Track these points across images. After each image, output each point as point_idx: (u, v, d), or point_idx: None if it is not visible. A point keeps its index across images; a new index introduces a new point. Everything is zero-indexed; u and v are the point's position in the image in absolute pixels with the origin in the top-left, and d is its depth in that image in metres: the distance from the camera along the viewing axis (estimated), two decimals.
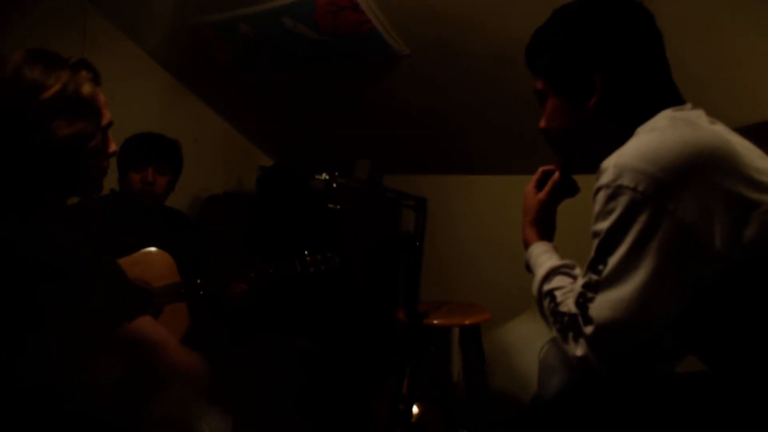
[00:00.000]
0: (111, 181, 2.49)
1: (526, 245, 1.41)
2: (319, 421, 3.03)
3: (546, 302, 1.22)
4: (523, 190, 1.51)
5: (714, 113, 1.21)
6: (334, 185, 2.22)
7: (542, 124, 1.36)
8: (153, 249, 2.25)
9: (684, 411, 1.14)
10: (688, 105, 1.22)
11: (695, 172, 1.04)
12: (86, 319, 1.18)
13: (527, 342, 2.85)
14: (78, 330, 1.18)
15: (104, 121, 1.35)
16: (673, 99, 1.23)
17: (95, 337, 1.21)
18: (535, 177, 1.48)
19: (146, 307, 1.32)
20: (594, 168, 1.15)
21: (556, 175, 1.45)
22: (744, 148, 1.11)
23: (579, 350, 1.08)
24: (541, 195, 1.44)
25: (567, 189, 1.46)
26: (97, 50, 2.97)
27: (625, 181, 1.04)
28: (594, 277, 1.08)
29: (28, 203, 1.24)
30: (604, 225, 1.07)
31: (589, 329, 1.06)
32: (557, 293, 1.20)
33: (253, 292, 2.42)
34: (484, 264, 3.38)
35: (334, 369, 3.12)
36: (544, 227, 1.44)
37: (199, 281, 2.28)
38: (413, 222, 2.29)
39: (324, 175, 2.20)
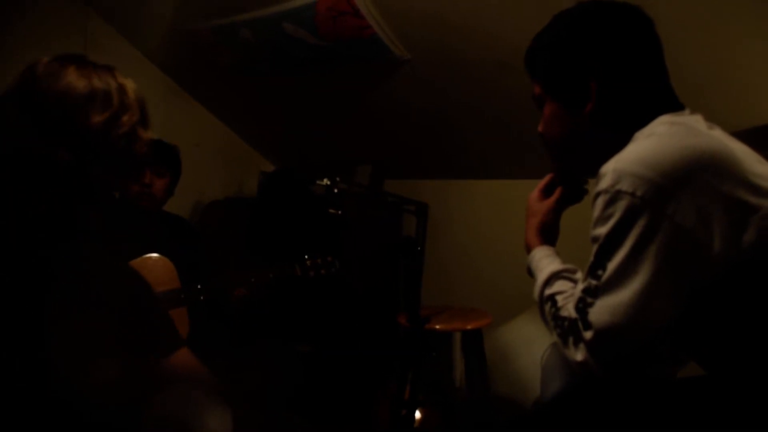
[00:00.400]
0: None
1: (528, 249, 1.42)
2: (321, 425, 3.03)
3: (547, 307, 1.22)
4: (524, 194, 1.51)
5: (712, 118, 1.21)
6: (336, 190, 2.22)
7: (540, 128, 1.36)
8: (153, 255, 2.25)
9: (683, 415, 1.14)
10: (687, 110, 1.22)
11: (694, 177, 1.04)
12: (130, 351, 1.16)
13: (529, 346, 2.84)
14: (121, 361, 1.16)
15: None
16: (671, 104, 1.23)
17: (137, 369, 1.19)
18: (542, 182, 1.48)
19: (183, 340, 1.26)
20: (590, 174, 1.15)
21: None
22: (742, 152, 1.11)
23: (579, 355, 1.08)
24: (549, 201, 1.44)
25: (574, 195, 1.46)
26: (98, 53, 2.95)
27: (624, 186, 1.04)
28: (593, 282, 1.08)
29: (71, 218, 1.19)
30: (603, 230, 1.07)
31: (588, 334, 1.06)
32: (558, 298, 1.20)
33: (254, 297, 2.42)
34: (485, 269, 3.38)
35: (335, 374, 3.12)
36: (548, 232, 1.44)
37: (199, 286, 2.28)
38: (414, 227, 2.29)
39: (325, 181, 2.20)
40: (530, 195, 1.48)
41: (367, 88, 3.06)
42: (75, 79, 1.17)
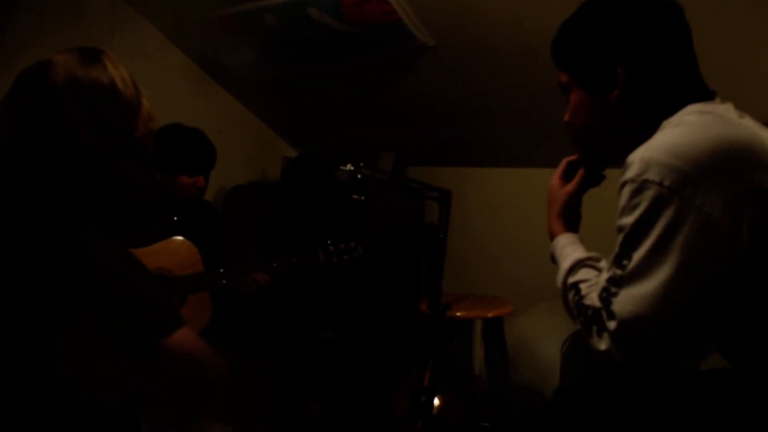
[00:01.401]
0: None
1: (552, 236, 1.41)
2: (341, 411, 3.05)
3: (570, 295, 1.21)
4: (547, 183, 1.49)
5: (743, 106, 1.19)
6: (359, 176, 2.22)
7: (566, 117, 1.35)
8: (177, 238, 2.27)
9: (706, 407, 1.13)
10: (717, 99, 1.21)
11: (723, 167, 1.03)
12: (123, 335, 1.16)
13: (549, 335, 2.83)
14: (114, 346, 1.15)
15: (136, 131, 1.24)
16: (701, 93, 1.21)
17: (134, 352, 1.18)
18: (560, 168, 1.47)
19: (183, 320, 1.26)
20: (617, 163, 1.14)
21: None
22: None
23: (602, 344, 1.07)
24: (569, 187, 1.43)
25: (593, 179, 1.44)
26: (124, 38, 3.00)
27: (651, 175, 1.03)
28: (618, 271, 1.07)
29: (65, 207, 1.18)
30: (629, 220, 1.06)
31: (612, 324, 1.05)
32: (582, 286, 1.19)
33: (275, 283, 2.43)
34: (507, 257, 3.37)
35: (355, 360, 3.13)
36: (570, 218, 1.42)
37: (222, 270, 2.30)
38: (436, 214, 2.28)
39: (349, 166, 2.20)
40: (550, 181, 1.47)
41: (390, 75, 3.05)
42: (121, 80, 1.19)
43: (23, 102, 1.16)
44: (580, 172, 1.43)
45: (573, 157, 1.46)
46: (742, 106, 1.19)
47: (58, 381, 1.13)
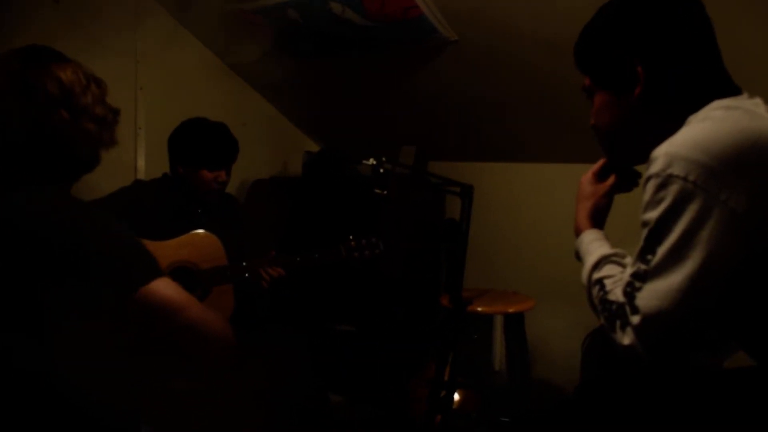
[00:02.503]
0: (157, 167, 2.54)
1: (578, 232, 1.40)
2: (361, 404, 3.06)
3: (595, 290, 1.21)
4: (569, 178, 1.50)
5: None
6: (381, 170, 2.22)
7: (592, 121, 1.35)
8: (201, 231, 2.29)
9: (728, 405, 1.13)
10: (745, 94, 1.20)
11: (749, 162, 1.02)
12: (99, 289, 1.19)
13: (570, 331, 2.83)
14: (92, 302, 1.19)
15: (74, 94, 1.33)
16: (726, 88, 1.20)
17: (112, 305, 1.21)
18: (596, 166, 1.47)
19: (161, 270, 1.29)
20: (643, 161, 1.14)
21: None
22: None
23: (626, 339, 1.07)
24: (603, 187, 1.43)
25: (627, 184, 1.44)
26: (147, 32, 3.03)
27: (676, 170, 1.02)
28: (642, 266, 1.07)
29: (31, 180, 1.28)
30: (653, 214, 1.06)
31: (636, 319, 1.05)
32: (607, 282, 1.19)
33: (289, 277, 2.44)
34: (528, 252, 3.36)
35: (376, 354, 3.14)
36: (598, 217, 1.42)
37: (244, 264, 2.32)
38: (458, 209, 2.28)
39: (371, 160, 2.20)
40: (582, 178, 1.47)
41: (412, 69, 3.05)
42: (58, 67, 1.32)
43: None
44: (614, 175, 1.43)
45: None
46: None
47: (58, 380, 1.16)
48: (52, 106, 1.27)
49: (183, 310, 1.26)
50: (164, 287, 1.25)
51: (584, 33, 1.33)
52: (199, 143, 2.40)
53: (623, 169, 1.43)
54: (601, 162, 1.47)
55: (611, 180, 1.43)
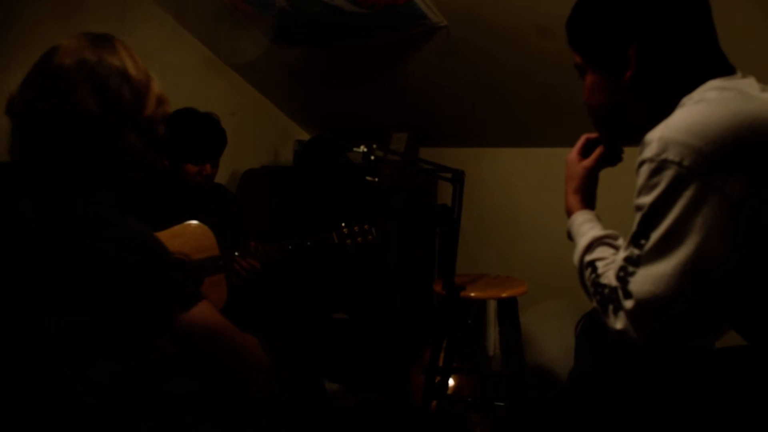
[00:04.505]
0: None
1: (569, 213, 1.40)
2: (356, 391, 3.07)
3: (587, 273, 1.21)
4: (561, 162, 1.49)
5: (765, 81, 1.18)
6: (372, 158, 2.22)
7: (584, 97, 1.34)
8: (193, 222, 2.28)
9: (723, 385, 1.13)
10: (739, 73, 1.19)
11: (744, 145, 1.02)
12: (142, 310, 1.15)
13: (564, 315, 2.84)
14: (133, 323, 1.15)
15: (145, 111, 1.25)
16: (721, 67, 1.19)
17: (154, 328, 1.18)
18: (578, 144, 1.47)
19: (202, 294, 1.26)
20: (635, 142, 1.13)
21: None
22: None
23: (618, 323, 1.07)
24: (587, 162, 1.42)
25: (611, 157, 1.44)
26: (135, 23, 3.00)
27: (670, 155, 1.02)
28: (636, 251, 1.07)
29: (70, 187, 1.20)
30: (647, 199, 1.06)
31: (629, 303, 1.05)
32: (599, 264, 1.19)
33: (281, 266, 2.41)
34: (521, 237, 3.37)
35: (370, 341, 3.15)
36: (587, 195, 1.42)
37: (237, 254, 2.31)
38: (450, 195, 2.28)
39: (362, 147, 2.20)
40: (567, 157, 1.47)
41: (402, 56, 3.04)
42: (131, 62, 1.23)
43: (34, 85, 1.18)
44: (598, 149, 1.43)
45: (592, 135, 1.45)
46: (765, 80, 1.18)
47: (60, 382, 1.13)
48: (118, 116, 1.19)
49: (223, 336, 1.26)
50: (205, 312, 1.23)
51: (576, 10, 1.31)
52: (182, 137, 2.36)
53: (609, 143, 1.43)
54: (583, 139, 1.46)
55: (596, 155, 1.42)
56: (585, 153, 1.45)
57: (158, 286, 1.19)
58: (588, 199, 1.41)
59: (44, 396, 1.13)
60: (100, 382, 1.15)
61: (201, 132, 2.38)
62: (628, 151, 1.42)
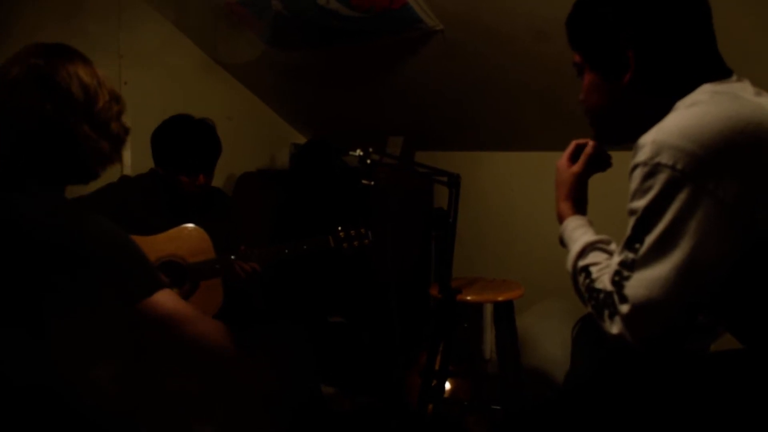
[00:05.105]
0: (144, 162, 2.52)
1: (561, 219, 1.40)
2: (352, 395, 3.07)
3: (581, 278, 1.21)
4: (555, 165, 1.49)
5: (761, 83, 1.18)
6: (368, 161, 2.22)
7: (581, 97, 1.35)
8: (189, 225, 2.28)
9: (719, 388, 1.13)
10: (734, 76, 1.19)
11: (737, 149, 1.02)
12: (103, 299, 1.18)
13: (560, 318, 2.84)
14: (94, 312, 1.18)
15: (96, 105, 1.30)
16: (717, 70, 1.20)
17: (114, 316, 1.20)
18: (568, 150, 1.47)
19: (164, 282, 1.28)
20: (631, 143, 1.14)
21: (589, 147, 1.43)
22: None
23: (614, 328, 1.07)
24: (575, 168, 1.42)
25: (600, 163, 1.44)
26: (131, 26, 3.00)
27: (664, 158, 1.02)
28: (630, 255, 1.07)
29: (30, 183, 1.25)
30: (641, 203, 1.06)
31: (624, 308, 1.05)
32: (593, 269, 1.19)
33: (266, 270, 2.41)
34: (517, 240, 3.37)
35: (366, 344, 3.15)
36: (578, 201, 1.42)
37: (233, 257, 2.31)
38: (446, 198, 2.28)
39: (358, 151, 2.20)
40: (558, 163, 1.47)
41: (398, 59, 3.05)
42: (85, 71, 1.29)
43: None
44: (585, 152, 1.43)
45: (582, 141, 1.46)
46: (761, 84, 1.18)
47: (57, 382, 1.15)
48: (71, 111, 1.24)
49: (184, 323, 1.27)
50: (166, 300, 1.26)
51: (577, 9, 1.31)
52: (176, 149, 2.35)
53: (603, 142, 1.43)
54: (572, 145, 1.46)
55: (583, 160, 1.42)
56: (574, 159, 1.45)
57: (119, 274, 1.22)
58: (579, 205, 1.41)
59: (37, 395, 1.15)
60: (93, 381, 1.16)
61: (193, 145, 2.37)
62: (620, 156, 1.43)
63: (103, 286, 1.19)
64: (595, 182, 1.46)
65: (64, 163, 1.28)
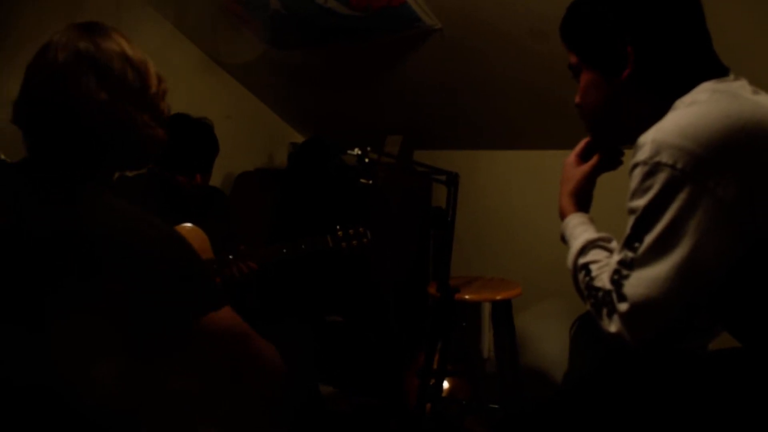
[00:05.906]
0: None
1: (563, 216, 1.39)
2: (350, 394, 3.07)
3: (581, 276, 1.21)
4: (555, 165, 1.49)
5: (759, 83, 1.18)
6: (367, 160, 2.22)
7: (577, 99, 1.34)
8: (187, 225, 2.28)
9: (718, 388, 1.13)
10: (731, 75, 1.19)
11: (737, 148, 1.02)
12: (166, 310, 1.13)
13: (558, 317, 2.84)
14: (156, 322, 1.13)
15: (150, 90, 1.25)
16: (715, 69, 1.20)
17: (177, 329, 1.16)
18: (578, 147, 1.46)
19: (227, 297, 1.23)
20: (628, 143, 1.14)
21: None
22: None
23: (613, 326, 1.07)
24: (586, 167, 1.41)
25: (611, 162, 1.43)
26: (130, 25, 2.98)
27: (664, 158, 1.02)
28: (629, 254, 1.07)
29: (81, 175, 1.18)
30: (640, 202, 1.06)
31: (623, 306, 1.05)
32: (593, 267, 1.19)
33: (265, 270, 2.40)
34: (515, 239, 3.37)
35: (365, 344, 3.15)
36: (582, 199, 1.41)
37: (231, 257, 2.31)
38: (445, 197, 2.28)
39: (356, 150, 2.20)
40: (566, 160, 1.46)
41: (396, 58, 3.04)
42: (134, 53, 1.23)
43: (36, 88, 1.17)
44: (598, 154, 1.42)
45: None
46: (758, 83, 1.18)
47: (59, 382, 1.11)
48: (127, 99, 1.17)
49: (246, 339, 1.24)
50: (230, 315, 1.21)
51: (572, 9, 1.31)
52: (174, 148, 2.35)
53: (607, 148, 1.42)
54: (583, 142, 1.45)
55: (594, 160, 1.41)
56: (584, 157, 1.45)
57: (185, 287, 1.16)
58: (582, 203, 1.41)
59: (46, 396, 1.11)
60: (105, 382, 1.12)
61: (190, 145, 2.36)
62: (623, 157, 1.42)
63: (167, 298, 1.13)
64: (596, 180, 1.45)
65: (120, 153, 1.22)
